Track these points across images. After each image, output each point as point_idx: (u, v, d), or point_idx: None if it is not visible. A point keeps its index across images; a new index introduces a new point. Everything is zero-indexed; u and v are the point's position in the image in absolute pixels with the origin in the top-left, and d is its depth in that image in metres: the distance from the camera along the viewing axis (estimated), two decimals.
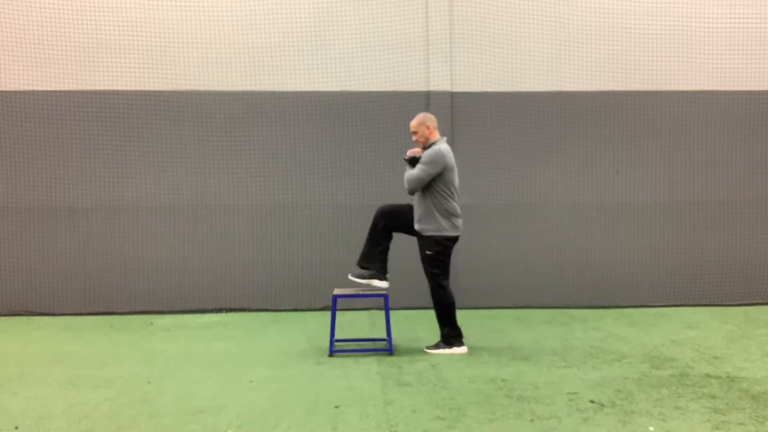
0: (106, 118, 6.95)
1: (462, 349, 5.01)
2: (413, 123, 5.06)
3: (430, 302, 7.01)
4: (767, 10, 7.17)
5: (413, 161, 5.00)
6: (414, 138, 5.07)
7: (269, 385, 4.19)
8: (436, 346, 5.05)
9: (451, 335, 5.03)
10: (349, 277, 5.10)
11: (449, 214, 4.94)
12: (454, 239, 5.02)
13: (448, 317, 5.03)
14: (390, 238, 5.14)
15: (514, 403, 3.73)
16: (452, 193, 4.97)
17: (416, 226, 5.00)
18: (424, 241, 4.97)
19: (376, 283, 5.05)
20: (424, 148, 5.03)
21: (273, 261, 7.07)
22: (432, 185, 4.91)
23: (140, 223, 7.02)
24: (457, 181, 5.04)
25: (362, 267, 5.11)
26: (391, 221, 5.08)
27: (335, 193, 7.08)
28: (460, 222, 5.03)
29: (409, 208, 5.11)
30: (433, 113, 7.00)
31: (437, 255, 4.95)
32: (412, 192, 5.00)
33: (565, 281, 7.13)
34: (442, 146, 4.96)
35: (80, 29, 6.90)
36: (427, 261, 5.00)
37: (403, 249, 7.05)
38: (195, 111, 7.00)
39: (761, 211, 7.24)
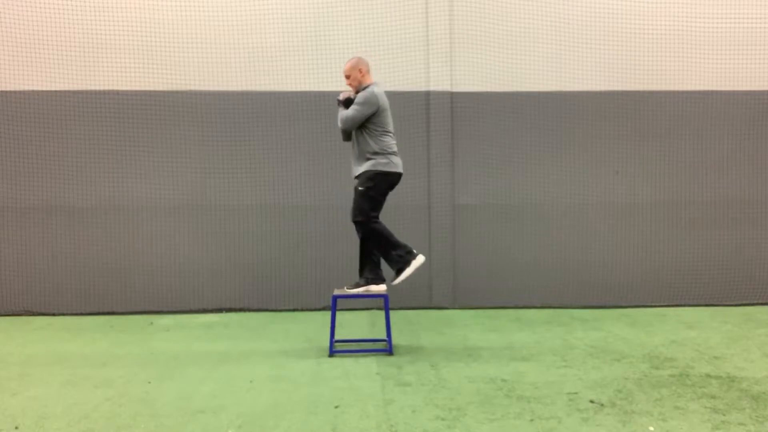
0: (106, 118, 6.95)
1: (420, 258, 5.03)
2: (346, 67, 5.13)
3: (430, 302, 7.06)
4: (767, 10, 7.17)
5: (347, 102, 5.09)
6: (347, 82, 5.15)
7: (269, 385, 4.18)
8: (398, 274, 5.02)
9: (403, 254, 5.00)
10: (346, 289, 5.11)
11: (384, 152, 5.00)
12: (390, 176, 5.02)
13: (391, 242, 5.01)
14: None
15: (514, 403, 3.73)
16: (387, 132, 5.04)
17: (354, 171, 5.07)
18: (359, 179, 5.03)
19: (373, 288, 5.09)
20: (357, 91, 5.11)
21: (273, 261, 7.07)
22: (366, 126, 4.99)
23: (140, 223, 7.02)
24: (391, 122, 5.10)
25: (361, 276, 5.18)
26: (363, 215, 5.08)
27: (335, 193, 7.08)
28: (398, 160, 5.07)
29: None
30: (433, 113, 7.06)
31: (368, 190, 4.99)
32: (345, 131, 5.09)
33: (565, 281, 7.13)
34: (376, 89, 5.04)
35: (80, 29, 6.90)
36: (358, 196, 5.03)
37: None
38: (195, 111, 7.00)
39: (761, 211, 7.24)
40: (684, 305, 7.09)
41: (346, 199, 7.06)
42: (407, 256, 5.04)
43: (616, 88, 7.15)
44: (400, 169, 5.08)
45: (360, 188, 5.03)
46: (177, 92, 6.97)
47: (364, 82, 5.11)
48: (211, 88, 7.00)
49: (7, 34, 6.86)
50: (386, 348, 5.07)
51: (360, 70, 5.10)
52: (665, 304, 7.11)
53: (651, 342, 5.32)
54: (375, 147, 4.99)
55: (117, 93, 6.94)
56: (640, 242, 7.20)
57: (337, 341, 5.27)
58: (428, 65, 7.05)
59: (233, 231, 7.06)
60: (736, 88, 7.18)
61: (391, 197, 7.06)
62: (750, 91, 7.19)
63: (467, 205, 7.11)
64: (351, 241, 7.07)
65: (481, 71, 7.07)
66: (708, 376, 4.26)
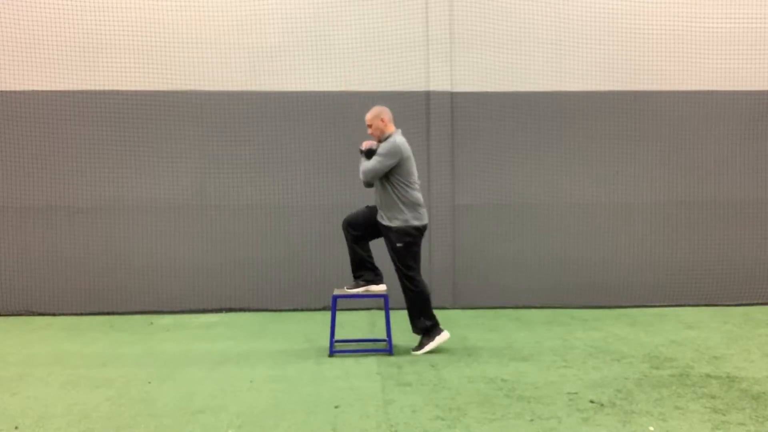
0: (106, 118, 6.95)
1: (444, 335, 5.02)
2: (368, 116, 5.08)
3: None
4: (767, 10, 7.17)
5: (369, 153, 5.03)
6: (369, 131, 5.10)
7: (269, 385, 4.19)
8: (421, 345, 5.03)
9: (430, 327, 5.01)
10: (346, 289, 5.12)
11: (413, 204, 4.97)
12: (421, 229, 5.01)
13: (425, 309, 5.01)
14: (364, 244, 5.14)
15: (514, 403, 3.73)
16: (412, 184, 5.00)
17: (382, 221, 5.01)
18: (393, 234, 4.98)
19: (374, 288, 5.09)
20: (380, 141, 5.07)
21: (273, 261, 7.07)
22: (391, 177, 4.94)
23: (140, 223, 7.02)
24: (415, 172, 5.06)
25: (356, 277, 5.19)
26: (354, 230, 5.09)
27: (335, 193, 7.08)
28: (424, 211, 5.05)
29: (364, 211, 5.13)
30: (433, 113, 7.06)
31: (408, 246, 4.97)
32: (368, 183, 5.06)
33: (565, 281, 7.13)
34: (398, 138, 4.99)
35: (80, 29, 6.89)
36: (397, 254, 5.00)
37: None
38: (195, 111, 7.00)
39: (761, 211, 7.24)
40: (684, 305, 7.09)
41: (346, 198, 7.09)
42: (434, 331, 5.01)
43: (615, 88, 7.15)
44: (426, 221, 5.06)
45: (399, 245, 4.98)
46: (177, 92, 6.97)
47: (386, 131, 5.05)
48: (211, 88, 7.00)
49: (7, 34, 6.86)
50: (386, 348, 5.07)
51: (382, 119, 5.04)
52: (665, 304, 7.11)
53: (651, 342, 5.32)
54: (402, 200, 4.94)
55: (117, 93, 6.94)
56: (640, 242, 7.20)
57: (337, 341, 5.27)
58: (428, 65, 7.05)
59: (233, 231, 7.06)
60: (736, 88, 7.17)
61: None
62: (750, 91, 7.19)
63: (467, 205, 7.11)
64: None
65: (481, 71, 7.08)
66: (708, 376, 4.26)
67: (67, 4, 6.86)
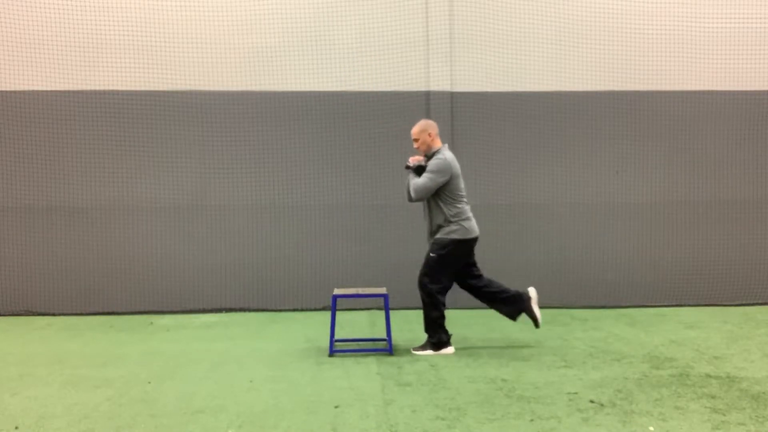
0: (106, 118, 6.95)
1: (449, 350, 5.01)
2: (415, 130, 5.04)
3: None
4: (767, 10, 7.17)
5: (419, 169, 4.97)
6: (415, 145, 5.06)
7: (269, 385, 4.19)
8: (422, 348, 5.04)
9: (436, 343, 5.00)
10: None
11: (459, 218, 4.94)
12: (464, 242, 4.96)
13: (436, 322, 4.99)
14: (480, 286, 5.10)
15: (514, 403, 3.73)
16: (459, 198, 4.97)
17: (427, 234, 5.05)
18: (433, 244, 4.99)
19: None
20: (427, 155, 5.03)
21: (273, 261, 7.07)
22: (439, 193, 4.92)
23: (140, 223, 7.02)
24: (463, 186, 5.04)
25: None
26: (471, 290, 5.09)
27: (335, 193, 7.09)
28: (472, 224, 5.00)
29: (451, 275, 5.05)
30: (433, 113, 7.06)
31: (441, 258, 4.93)
32: (419, 200, 5.00)
33: (565, 281, 7.13)
34: (447, 154, 4.96)
35: (80, 29, 6.89)
36: (428, 262, 4.99)
37: (402, 248, 7.07)
38: (195, 111, 7.00)
39: (761, 211, 7.24)
40: (684, 305, 7.09)
41: (346, 198, 7.09)
42: (442, 343, 5.00)
43: (615, 88, 7.15)
44: (473, 234, 5.00)
45: (432, 254, 4.96)
46: (177, 92, 6.97)
47: (434, 146, 5.02)
48: (211, 88, 7.00)
49: (7, 34, 6.86)
50: (386, 348, 5.07)
51: (429, 134, 5.00)
52: (665, 304, 7.11)
53: (651, 342, 5.32)
54: (448, 215, 4.92)
55: (117, 93, 6.94)
56: (639, 242, 7.20)
57: (337, 341, 5.27)
58: (428, 65, 7.05)
59: (233, 231, 7.07)
60: (736, 88, 7.18)
61: (392, 197, 7.10)
62: (750, 91, 7.19)
63: None
64: (351, 241, 7.10)
65: (481, 71, 7.08)
66: (708, 376, 4.26)
67: (67, 4, 6.86)
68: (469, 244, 5.00)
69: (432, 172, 4.87)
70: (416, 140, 5.04)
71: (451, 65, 7.04)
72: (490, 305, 5.18)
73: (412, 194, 4.95)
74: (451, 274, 5.03)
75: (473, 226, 5.02)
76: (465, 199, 5.03)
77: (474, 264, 5.14)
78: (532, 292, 5.17)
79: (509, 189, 7.13)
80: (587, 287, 7.13)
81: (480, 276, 5.13)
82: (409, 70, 7.05)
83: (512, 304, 5.10)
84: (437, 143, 5.03)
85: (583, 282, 7.14)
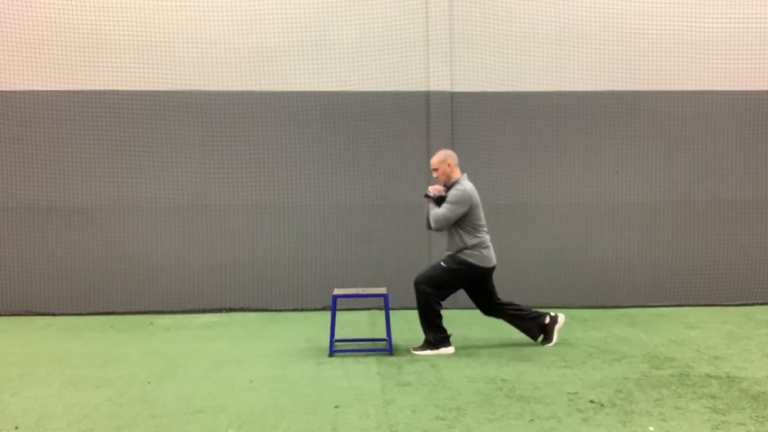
0: (106, 118, 6.95)
1: (449, 350, 5.02)
2: (434, 160, 5.09)
3: None
4: (767, 10, 7.17)
5: (439, 200, 5.01)
6: (435, 175, 5.11)
7: (269, 385, 4.18)
8: (422, 347, 5.05)
9: (434, 342, 5.01)
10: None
11: (477, 247, 4.99)
12: (478, 268, 5.00)
13: (432, 324, 5.01)
14: (499, 306, 5.18)
15: (514, 403, 3.73)
16: (480, 227, 5.03)
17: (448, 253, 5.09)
18: (447, 257, 5.04)
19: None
20: (446, 185, 5.07)
21: (273, 261, 7.07)
22: (460, 223, 4.97)
23: (140, 223, 7.02)
24: (483, 215, 5.08)
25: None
26: (485, 309, 5.16)
27: (335, 193, 7.09)
28: (489, 253, 5.05)
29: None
30: (433, 113, 7.06)
31: (450, 271, 4.97)
32: (439, 230, 5.03)
33: (565, 281, 7.13)
34: (466, 184, 5.01)
35: (80, 29, 6.89)
36: (434, 267, 5.04)
37: (402, 248, 7.07)
38: (195, 111, 7.00)
39: (761, 211, 7.24)
40: (684, 305, 7.09)
41: (346, 198, 7.09)
42: (440, 342, 5.01)
43: (615, 88, 7.15)
44: (490, 264, 5.05)
45: (443, 264, 5.01)
46: (177, 92, 6.97)
47: (453, 176, 5.07)
48: (211, 88, 7.01)
49: (7, 34, 6.86)
50: (386, 348, 5.06)
51: (449, 164, 5.05)
52: (665, 304, 7.11)
53: (651, 342, 5.32)
54: (468, 243, 4.97)
55: (117, 93, 6.94)
56: (639, 242, 7.20)
57: (337, 341, 5.27)
58: (428, 65, 7.05)
59: (233, 231, 7.07)
60: (736, 88, 7.18)
61: (392, 197, 7.10)
62: (750, 91, 7.19)
63: None
64: (351, 241, 7.09)
65: (481, 71, 7.08)
66: (708, 376, 4.26)
67: (67, 4, 6.86)
68: (483, 272, 5.04)
69: (451, 203, 4.93)
70: (436, 170, 5.09)
71: (451, 65, 7.04)
72: (513, 324, 5.24)
73: (432, 224, 5.01)
74: (451, 289, 5.07)
75: (491, 256, 5.07)
76: (485, 229, 5.09)
77: (493, 292, 5.19)
78: (561, 318, 5.30)
79: (509, 189, 7.13)
80: (587, 287, 7.13)
81: (501, 301, 5.22)
82: (409, 70, 7.05)
83: (533, 322, 5.23)
84: (456, 173, 5.09)
85: (583, 282, 7.14)
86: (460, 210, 4.92)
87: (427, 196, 5.10)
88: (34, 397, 3.99)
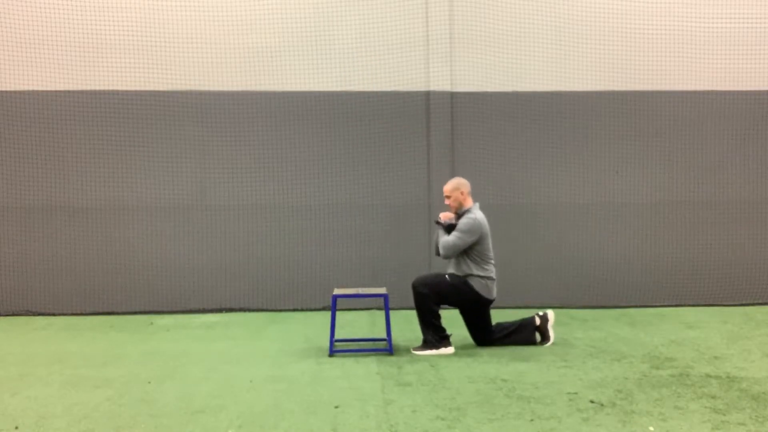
0: (106, 118, 6.95)
1: (449, 350, 5.02)
2: (447, 187, 5.12)
3: None
4: (767, 10, 7.17)
5: (450, 228, 5.02)
6: (447, 202, 5.13)
7: (269, 385, 4.18)
8: (422, 347, 5.04)
9: (432, 341, 5.01)
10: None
11: (483, 278, 5.01)
12: (480, 297, 5.02)
13: (430, 324, 5.01)
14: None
15: (514, 403, 3.73)
16: (487, 260, 5.04)
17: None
18: (454, 275, 5.04)
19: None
20: (457, 212, 5.08)
21: (273, 261, 7.07)
22: (468, 251, 4.99)
23: (140, 223, 7.02)
24: (491, 245, 5.09)
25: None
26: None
27: (335, 193, 7.09)
28: (492, 285, 5.07)
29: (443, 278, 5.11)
30: (433, 113, 7.06)
31: (453, 288, 4.98)
32: (447, 258, 5.04)
33: (565, 281, 7.13)
34: (478, 214, 5.03)
35: (80, 29, 6.89)
36: (441, 278, 5.04)
37: (402, 248, 7.07)
38: (195, 111, 7.00)
39: (761, 211, 7.24)
40: (684, 305, 7.09)
41: (346, 198, 7.09)
42: (438, 342, 5.00)
43: (615, 88, 7.15)
44: (491, 296, 5.07)
45: (447, 277, 5.03)
46: (177, 92, 6.98)
47: (465, 205, 5.08)
48: (211, 88, 7.01)
49: (7, 34, 6.86)
50: (386, 348, 5.06)
51: (462, 192, 5.07)
52: (665, 304, 7.11)
53: (651, 342, 5.32)
54: (476, 272, 4.99)
55: (117, 93, 6.94)
56: (639, 242, 7.20)
57: (337, 341, 5.27)
58: (428, 65, 7.05)
59: (233, 231, 7.07)
60: (736, 88, 7.17)
61: (392, 197, 7.10)
62: (750, 91, 7.19)
63: None
64: (351, 241, 7.09)
65: (481, 71, 7.08)
66: (708, 376, 4.26)
67: (67, 4, 6.86)
68: (483, 302, 5.07)
69: (462, 231, 4.94)
70: (448, 197, 5.10)
71: (451, 65, 7.04)
72: (509, 343, 5.23)
73: (441, 252, 5.02)
74: (447, 301, 5.06)
75: (494, 289, 5.10)
76: (493, 261, 5.10)
77: (489, 323, 5.21)
78: (550, 314, 5.30)
79: (509, 189, 7.13)
80: (587, 287, 7.13)
81: (492, 330, 5.23)
82: (409, 70, 7.05)
83: (524, 330, 5.23)
84: (469, 202, 5.11)
85: (583, 282, 7.14)
86: (470, 239, 4.94)
87: (438, 222, 5.13)
88: (34, 397, 3.99)
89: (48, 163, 6.94)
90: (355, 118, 7.06)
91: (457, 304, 5.13)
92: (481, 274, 5.01)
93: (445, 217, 5.11)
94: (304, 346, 5.32)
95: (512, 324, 5.28)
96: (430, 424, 3.40)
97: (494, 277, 5.10)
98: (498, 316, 6.53)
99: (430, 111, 7.03)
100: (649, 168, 7.21)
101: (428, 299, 4.97)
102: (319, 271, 7.07)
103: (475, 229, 4.95)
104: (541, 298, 7.06)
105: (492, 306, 7.04)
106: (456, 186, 5.10)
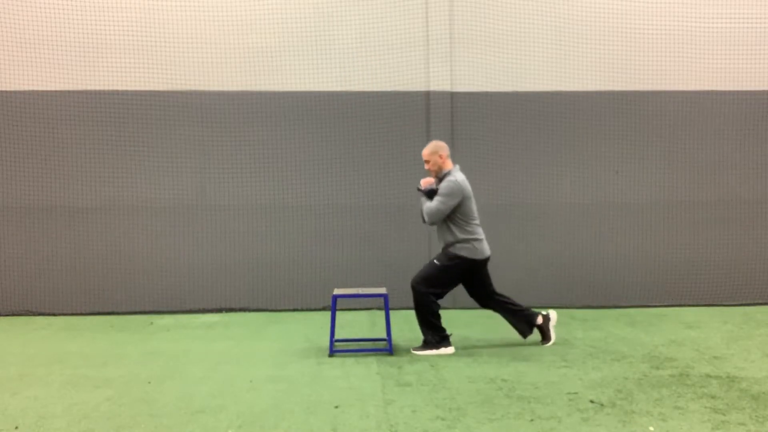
0: (106, 118, 6.95)
1: (449, 350, 5.01)
2: (425, 152, 5.06)
3: None
4: (767, 10, 7.17)
5: (431, 193, 4.98)
6: (426, 167, 5.08)
7: (269, 385, 4.19)
8: (422, 347, 5.04)
9: (433, 342, 5.01)
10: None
11: (469, 240, 4.96)
12: (473, 261, 4.98)
13: (431, 324, 5.01)
14: (493, 299, 5.18)
15: (514, 403, 3.73)
16: (471, 221, 4.99)
17: (441, 246, 5.07)
18: (440, 254, 5.03)
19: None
20: (438, 177, 5.04)
21: (273, 261, 7.07)
22: (451, 215, 4.94)
23: (140, 223, 7.02)
24: (475, 208, 5.05)
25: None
26: (483, 302, 5.16)
27: (335, 193, 7.09)
28: (482, 246, 5.02)
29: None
30: (433, 113, 7.06)
31: (444, 268, 4.96)
32: (433, 224, 5.00)
33: (565, 281, 7.13)
34: (458, 176, 4.98)
35: (80, 29, 6.89)
36: (429, 266, 5.02)
37: (402, 248, 7.07)
38: (195, 111, 7.00)
39: (761, 211, 7.24)
40: (684, 305, 7.08)
41: (346, 198, 7.09)
42: (438, 342, 5.00)
43: (616, 88, 7.15)
44: (483, 255, 5.02)
45: (436, 262, 4.99)
46: (177, 92, 6.97)
47: (445, 168, 5.04)
48: (211, 88, 7.00)
49: (7, 34, 6.86)
50: (386, 348, 5.07)
51: (440, 156, 5.02)
52: (665, 304, 7.11)
53: (651, 342, 5.32)
54: (460, 236, 4.94)
55: (117, 93, 6.94)
56: (639, 242, 7.20)
57: (337, 341, 5.27)
58: (428, 65, 7.05)
59: (233, 231, 7.06)
60: (736, 88, 7.17)
61: (392, 197, 7.10)
62: (750, 91, 7.19)
63: None
64: (351, 241, 7.10)
65: (481, 71, 7.07)
66: (708, 376, 4.26)
67: (67, 4, 6.86)
68: (476, 264, 5.02)
69: (443, 195, 4.89)
70: (427, 162, 5.06)
71: (451, 65, 7.04)
72: (503, 315, 5.23)
73: (426, 218, 4.97)
74: (448, 286, 5.06)
75: (484, 248, 5.05)
76: (477, 221, 5.04)
77: (489, 284, 5.19)
78: (553, 315, 5.33)
79: (509, 189, 7.13)
80: (587, 287, 7.13)
81: (497, 293, 5.22)
82: (409, 70, 7.05)
83: (524, 319, 5.21)
84: (448, 165, 5.06)
85: (583, 282, 7.14)
86: (452, 202, 4.88)
87: (419, 189, 5.06)
88: (34, 397, 4.00)
89: (48, 163, 6.94)
90: (355, 118, 7.06)
91: (456, 281, 5.07)
92: (467, 237, 4.94)
93: (426, 182, 5.04)
94: (304, 346, 5.32)
95: (522, 307, 5.23)
96: (430, 424, 3.40)
97: (481, 236, 5.03)
98: (497, 315, 6.53)
99: (430, 111, 7.03)
100: (649, 168, 7.21)
101: (428, 297, 4.95)
102: (319, 271, 7.07)
103: (456, 191, 4.88)
104: (542, 298, 7.06)
105: None
106: (434, 150, 5.03)
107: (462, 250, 4.94)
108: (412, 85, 7.04)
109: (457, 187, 4.89)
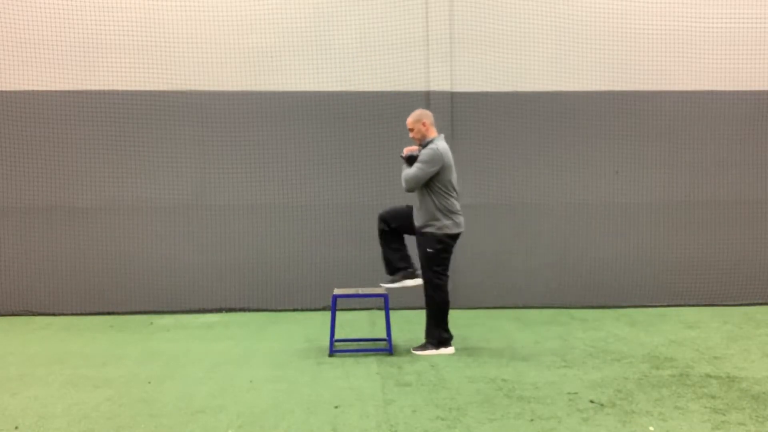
0: (105, 118, 6.95)
1: (449, 350, 5.01)
2: (409, 120, 5.02)
3: None
4: (767, 10, 7.17)
5: (411, 159, 4.95)
6: (411, 135, 5.04)
7: (269, 385, 4.19)
8: (423, 347, 5.03)
9: (443, 340, 5.01)
10: (381, 284, 5.09)
11: (450, 212, 4.92)
12: (455, 236, 5.00)
13: (441, 319, 5.01)
14: (400, 239, 5.14)
15: (514, 403, 3.73)
16: (451, 191, 4.94)
17: (417, 224, 4.99)
18: (425, 239, 4.96)
19: (409, 282, 5.01)
20: (422, 145, 5.00)
21: (273, 261, 7.07)
22: (430, 184, 4.88)
23: (140, 223, 7.02)
24: (455, 178, 5.01)
25: (390, 273, 5.12)
26: (393, 222, 5.08)
27: (335, 193, 7.09)
28: (461, 219, 5.01)
29: (407, 209, 5.11)
30: (433, 113, 7.04)
31: (438, 253, 4.95)
32: (410, 190, 4.96)
33: (565, 281, 7.13)
34: (440, 144, 4.92)
35: (80, 29, 6.89)
36: (428, 258, 4.98)
37: None
38: (195, 111, 7.00)
39: (761, 211, 7.24)
40: (684, 305, 7.08)
41: (346, 198, 7.09)
42: (438, 342, 5.00)
43: (616, 88, 7.15)
44: (462, 228, 5.02)
45: (429, 250, 4.95)
46: (177, 92, 6.97)
47: (428, 136, 4.98)
48: (211, 88, 7.00)
49: (7, 34, 6.86)
50: (386, 348, 5.07)
51: (424, 123, 4.97)
52: (665, 304, 7.11)
53: (651, 342, 5.32)
54: (440, 207, 4.89)
55: (117, 93, 6.94)
56: (639, 242, 7.20)
57: (337, 341, 5.27)
58: (428, 65, 7.05)
59: (233, 231, 7.06)
60: (736, 88, 7.17)
61: (393, 197, 7.09)
62: (750, 91, 7.19)
63: (467, 205, 7.06)
64: (351, 241, 7.09)
65: (481, 71, 7.07)
66: (708, 376, 4.27)
67: (67, 4, 6.86)
68: (457, 237, 5.03)
69: (422, 162, 4.83)
70: (411, 129, 5.01)
71: (451, 65, 7.04)
72: (385, 245, 5.15)
73: (403, 184, 4.93)
74: (446, 261, 5.03)
75: (462, 221, 5.04)
76: (455, 194, 4.99)
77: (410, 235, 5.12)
78: (417, 281, 5.11)
79: (509, 189, 7.13)
80: (587, 287, 7.13)
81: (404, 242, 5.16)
82: (409, 70, 7.05)
83: (398, 263, 5.11)
84: (432, 133, 5.00)
85: (583, 282, 7.14)
86: (431, 169, 4.81)
87: (401, 156, 5.03)
88: (34, 397, 4.00)
89: (48, 163, 6.94)
90: (355, 118, 7.06)
91: (450, 257, 5.03)
92: (445, 206, 4.88)
93: (408, 150, 5.01)
94: (304, 346, 5.32)
95: (404, 250, 5.13)
96: (430, 424, 3.40)
97: (459, 209, 4.98)
98: (497, 315, 6.56)
99: (430, 111, 7.02)
100: (649, 168, 7.21)
101: (443, 289, 4.95)
102: (319, 271, 7.07)
103: (436, 158, 4.81)
104: (541, 298, 7.07)
105: (489, 306, 7.10)
106: (418, 118, 4.99)
107: (445, 228, 4.89)
108: (412, 85, 7.04)
109: (437, 154, 4.83)
